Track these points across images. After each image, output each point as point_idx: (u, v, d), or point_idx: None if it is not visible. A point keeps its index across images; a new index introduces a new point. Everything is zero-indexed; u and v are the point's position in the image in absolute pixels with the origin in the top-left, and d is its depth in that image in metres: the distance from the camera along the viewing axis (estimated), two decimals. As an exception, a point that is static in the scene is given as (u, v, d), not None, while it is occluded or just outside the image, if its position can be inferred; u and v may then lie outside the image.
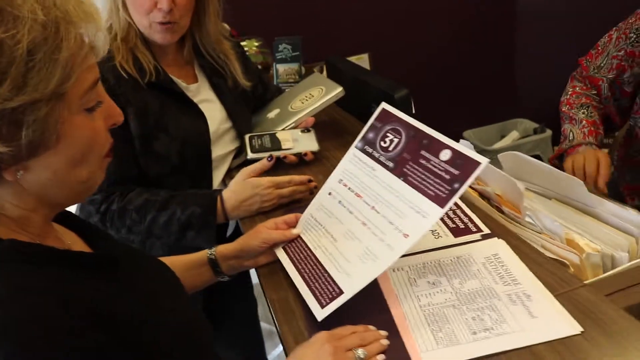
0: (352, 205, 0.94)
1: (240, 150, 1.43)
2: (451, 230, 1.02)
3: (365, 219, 0.91)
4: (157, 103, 1.28)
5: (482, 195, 1.16)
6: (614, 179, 1.51)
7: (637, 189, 1.41)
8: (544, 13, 2.79)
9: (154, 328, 0.69)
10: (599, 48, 1.39)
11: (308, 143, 1.38)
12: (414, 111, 1.39)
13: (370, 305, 0.85)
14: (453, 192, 0.82)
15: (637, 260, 0.94)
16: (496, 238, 0.97)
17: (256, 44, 2.18)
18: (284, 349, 0.83)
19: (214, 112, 1.37)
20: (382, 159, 0.94)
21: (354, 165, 0.98)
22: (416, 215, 0.84)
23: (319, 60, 2.52)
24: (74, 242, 0.78)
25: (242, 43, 2.14)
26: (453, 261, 0.92)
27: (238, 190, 1.21)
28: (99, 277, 0.68)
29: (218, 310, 1.51)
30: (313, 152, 1.37)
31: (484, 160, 0.81)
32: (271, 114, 1.53)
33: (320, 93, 1.47)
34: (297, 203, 1.21)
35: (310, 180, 1.23)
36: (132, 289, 0.73)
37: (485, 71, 2.94)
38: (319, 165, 1.38)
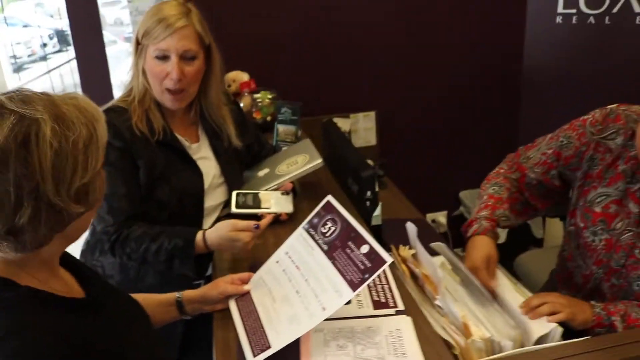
0: (292, 275, 1.19)
1: (229, 202, 1.69)
2: (373, 302, 1.25)
3: (299, 288, 1.16)
4: (163, 158, 1.55)
5: (413, 274, 1.38)
6: (556, 269, 1.71)
7: (563, 279, 1.60)
8: (548, 80, 2.93)
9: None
10: (535, 143, 1.57)
11: (284, 205, 1.63)
12: (377, 189, 1.62)
13: (286, 356, 1.08)
14: (363, 280, 1.06)
15: (516, 350, 1.16)
16: (405, 315, 1.20)
17: (269, 96, 2.44)
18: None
19: (210, 169, 1.64)
20: (320, 241, 1.18)
21: (299, 243, 1.23)
22: (334, 294, 1.08)
23: (330, 113, 2.79)
24: (70, 283, 1.04)
25: (257, 95, 2.43)
26: (364, 330, 1.16)
27: (221, 236, 1.42)
28: (88, 318, 0.93)
29: (196, 337, 1.75)
30: (287, 214, 1.62)
31: (388, 260, 1.05)
32: (261, 173, 1.78)
33: (303, 161, 1.73)
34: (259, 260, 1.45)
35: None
36: (112, 328, 0.98)
37: (487, 135, 3.12)
38: (290, 225, 1.62)
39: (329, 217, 1.20)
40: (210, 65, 1.59)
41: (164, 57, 1.49)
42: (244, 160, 1.78)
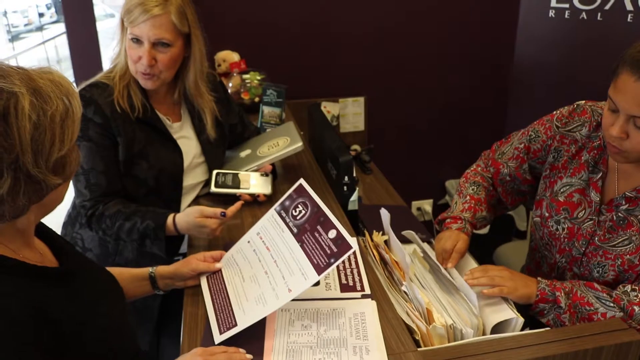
0: (262, 255, 1.21)
1: (209, 181, 1.71)
2: (341, 285, 1.27)
3: (267, 268, 1.18)
4: (143, 135, 1.56)
5: (383, 259, 1.41)
6: (526, 262, 1.74)
7: (531, 270, 1.64)
8: (538, 73, 2.94)
9: (90, 330, 0.97)
10: (509, 138, 1.61)
11: (263, 186, 1.65)
12: (354, 174, 1.63)
13: (251, 333, 1.11)
14: (329, 265, 1.08)
15: (476, 338, 1.19)
16: (370, 299, 1.23)
17: (258, 77, 2.45)
18: (181, 351, 1.10)
19: (190, 148, 1.65)
20: (290, 224, 1.21)
21: (270, 224, 1.25)
22: (301, 276, 1.11)
23: (320, 97, 2.80)
24: (45, 253, 1.06)
25: (246, 76, 2.43)
26: (328, 312, 1.18)
27: (189, 222, 1.45)
28: (57, 287, 0.96)
29: (173, 310, 1.78)
30: (265, 195, 1.64)
31: (354, 246, 1.08)
32: (243, 154, 1.80)
33: (284, 143, 1.74)
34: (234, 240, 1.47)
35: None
36: (81, 298, 1.01)
37: (475, 127, 3.14)
38: (268, 206, 1.62)
39: (300, 200, 1.22)
40: (190, 53, 1.58)
41: (138, 41, 1.49)
42: (226, 140, 1.79)
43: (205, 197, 1.70)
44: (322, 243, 1.11)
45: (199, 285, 1.27)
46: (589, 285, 1.31)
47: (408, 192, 2.91)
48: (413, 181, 3.08)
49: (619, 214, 1.35)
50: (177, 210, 1.63)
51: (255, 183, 1.65)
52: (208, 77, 1.69)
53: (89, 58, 2.57)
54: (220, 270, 1.26)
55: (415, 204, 3.19)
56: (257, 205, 1.64)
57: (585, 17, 2.59)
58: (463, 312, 1.28)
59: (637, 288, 1.27)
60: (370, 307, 1.20)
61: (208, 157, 1.69)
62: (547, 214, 1.48)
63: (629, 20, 2.49)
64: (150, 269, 1.29)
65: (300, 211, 1.21)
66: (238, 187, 1.63)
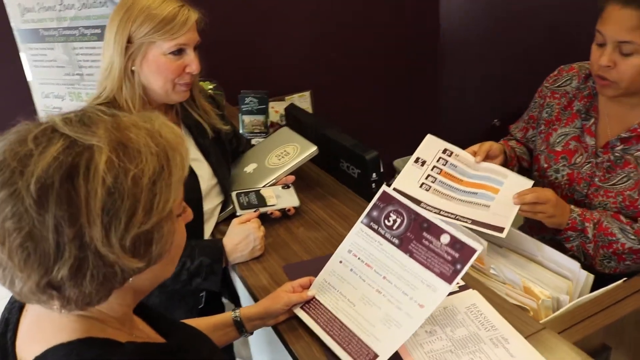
0: (364, 274, 1.12)
1: (224, 204, 1.57)
2: (434, 282, 1.23)
3: (379, 287, 1.08)
4: None
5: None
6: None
7: (533, 224, 1.67)
8: (465, 43, 3.08)
9: None
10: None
11: (290, 199, 1.55)
12: (382, 169, 1.59)
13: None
14: (457, 271, 0.99)
15: (575, 301, 1.22)
16: (471, 289, 1.20)
17: (210, 86, 2.29)
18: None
19: (202, 171, 1.50)
20: (387, 235, 1.12)
21: (362, 239, 1.15)
22: (427, 289, 1.02)
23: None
24: (143, 327, 0.90)
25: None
26: (441, 312, 1.14)
27: (232, 235, 1.38)
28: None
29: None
30: (295, 207, 1.54)
31: (479, 248, 1.00)
32: (248, 169, 1.67)
33: (295, 151, 1.64)
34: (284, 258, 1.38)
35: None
36: None
37: (413, 101, 3.22)
38: (299, 219, 1.55)
39: (390, 208, 1.14)
40: None
41: (179, 52, 1.37)
42: (229, 156, 1.66)
43: (225, 222, 1.55)
44: (437, 250, 1.04)
45: (292, 318, 1.16)
46: (615, 217, 1.39)
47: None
48: (363, 166, 3.09)
49: (615, 154, 1.43)
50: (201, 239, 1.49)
51: (280, 197, 1.55)
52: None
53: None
54: (314, 297, 1.16)
55: (367, 187, 3.20)
56: (287, 219, 1.54)
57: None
58: (546, 280, 1.31)
59: None
60: (477, 298, 1.18)
61: (220, 177, 1.54)
62: (545, 165, 1.56)
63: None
64: (232, 314, 1.15)
65: (394, 220, 1.12)
66: (265, 205, 1.51)
